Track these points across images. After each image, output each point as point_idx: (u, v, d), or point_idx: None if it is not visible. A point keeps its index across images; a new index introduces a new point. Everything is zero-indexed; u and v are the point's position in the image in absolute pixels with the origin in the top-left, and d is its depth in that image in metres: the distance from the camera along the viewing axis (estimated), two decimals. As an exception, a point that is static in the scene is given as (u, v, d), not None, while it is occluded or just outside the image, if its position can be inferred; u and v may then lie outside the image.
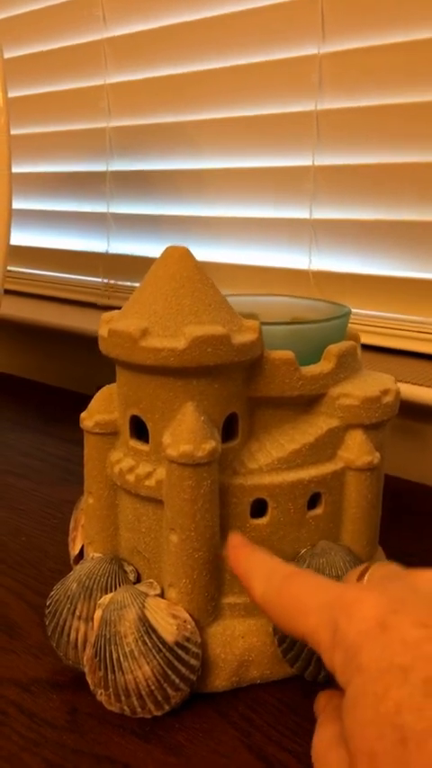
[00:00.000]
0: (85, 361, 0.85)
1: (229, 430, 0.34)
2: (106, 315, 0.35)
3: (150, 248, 0.78)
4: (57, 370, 0.90)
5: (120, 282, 0.81)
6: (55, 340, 0.88)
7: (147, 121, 0.75)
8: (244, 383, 0.34)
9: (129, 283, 0.80)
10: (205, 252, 0.73)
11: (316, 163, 0.64)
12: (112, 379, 0.35)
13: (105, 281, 0.82)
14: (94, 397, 0.36)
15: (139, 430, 0.34)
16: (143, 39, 0.73)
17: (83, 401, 0.37)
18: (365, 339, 0.60)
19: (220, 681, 0.33)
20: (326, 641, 0.22)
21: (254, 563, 0.28)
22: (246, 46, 0.66)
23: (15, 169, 0.56)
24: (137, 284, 0.79)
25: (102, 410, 0.35)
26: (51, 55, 0.83)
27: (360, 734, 0.20)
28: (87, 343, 0.82)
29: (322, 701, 0.27)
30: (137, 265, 0.79)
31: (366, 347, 0.61)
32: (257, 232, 0.69)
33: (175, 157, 0.74)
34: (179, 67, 0.71)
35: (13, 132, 0.55)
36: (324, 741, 0.23)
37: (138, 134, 0.77)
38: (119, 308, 0.35)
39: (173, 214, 0.76)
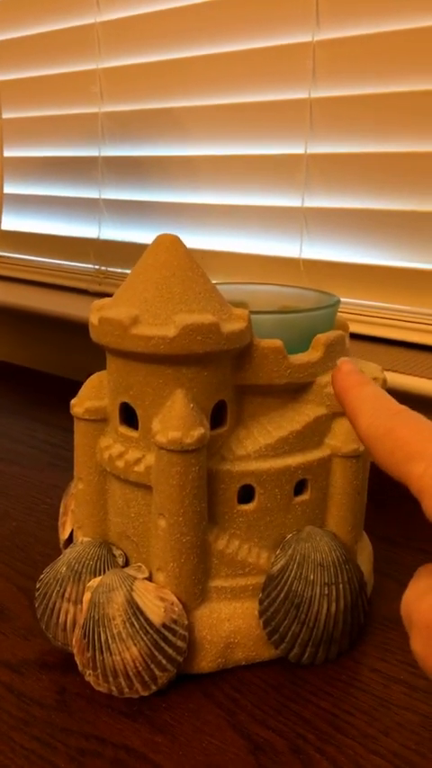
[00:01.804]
0: (76, 348, 0.85)
1: (217, 417, 0.34)
2: (97, 302, 0.35)
3: (142, 235, 0.78)
4: (47, 357, 0.90)
5: (111, 269, 0.81)
6: (46, 326, 0.88)
7: (139, 107, 0.75)
8: (233, 371, 0.34)
9: (120, 270, 0.80)
10: (197, 239, 0.73)
11: (309, 151, 0.64)
12: (102, 366, 0.35)
13: (97, 267, 0.82)
14: (84, 383, 0.36)
15: (128, 416, 0.34)
16: (136, 23, 0.72)
17: (73, 387, 0.37)
18: (354, 328, 0.61)
19: (207, 662, 0.34)
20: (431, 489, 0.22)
21: (362, 395, 0.26)
22: (240, 32, 0.66)
23: (6, 153, 0.56)
24: (128, 270, 0.79)
25: (92, 397, 0.35)
26: (43, 38, 0.82)
27: None
28: (78, 329, 0.83)
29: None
30: (128, 251, 0.79)
31: (355, 336, 0.62)
32: (249, 220, 0.69)
33: (168, 144, 0.74)
34: (172, 53, 0.71)
35: (4, 116, 0.55)
36: (417, 590, 0.23)
37: (130, 120, 0.76)
38: (110, 294, 0.35)
39: (165, 201, 0.76)
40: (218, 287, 0.35)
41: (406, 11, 0.56)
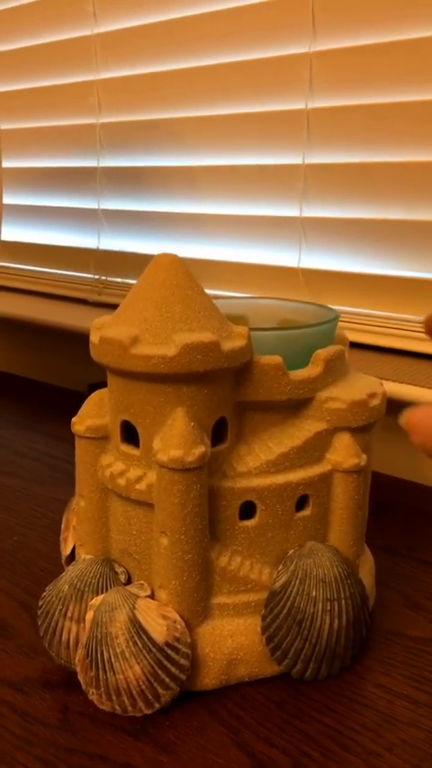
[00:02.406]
0: (76, 358, 0.85)
1: (218, 434, 0.34)
2: (97, 321, 0.35)
3: (141, 244, 0.79)
4: (48, 367, 0.91)
5: (111, 279, 0.81)
6: (46, 336, 0.88)
7: (137, 118, 0.75)
8: (233, 388, 0.34)
9: (120, 279, 0.81)
10: (195, 249, 0.73)
11: (306, 161, 0.64)
12: (103, 377, 0.35)
13: (96, 277, 0.82)
14: (86, 401, 0.36)
15: (129, 434, 0.34)
16: (134, 35, 0.73)
17: (74, 398, 0.38)
18: (354, 337, 0.61)
19: (210, 679, 0.34)
20: None
21: None
22: (237, 43, 0.66)
23: (5, 164, 0.56)
24: (128, 280, 0.80)
25: (93, 414, 0.36)
26: (41, 50, 0.82)
27: None
28: (78, 339, 0.83)
29: None
30: (128, 261, 0.79)
31: (355, 345, 0.62)
32: (247, 229, 0.70)
33: (166, 154, 0.74)
34: (170, 64, 0.71)
35: (2, 127, 0.55)
36: None
37: (128, 130, 0.77)
38: (110, 304, 0.35)
39: (163, 211, 0.76)
40: (217, 302, 0.35)
41: (402, 22, 0.56)
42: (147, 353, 0.31)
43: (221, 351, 0.32)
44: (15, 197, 0.91)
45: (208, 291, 0.34)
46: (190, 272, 0.33)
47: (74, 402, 0.37)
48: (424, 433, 0.26)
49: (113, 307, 0.34)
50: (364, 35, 0.58)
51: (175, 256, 0.33)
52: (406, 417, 0.27)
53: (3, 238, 0.81)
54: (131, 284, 0.77)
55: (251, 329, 0.34)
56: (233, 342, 0.33)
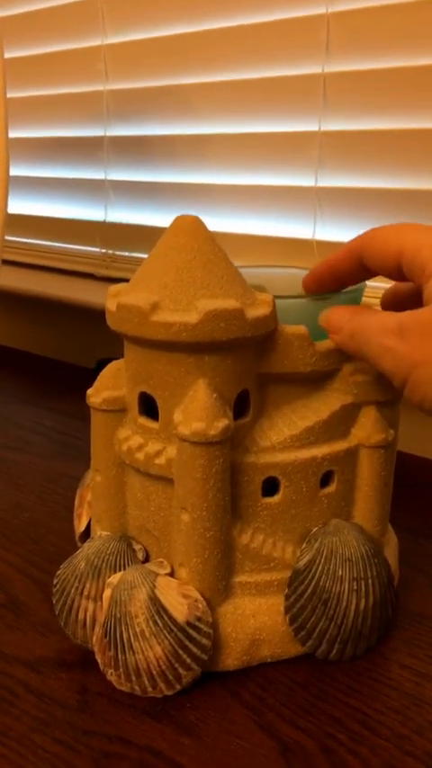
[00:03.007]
0: (82, 333, 0.83)
1: (240, 407, 0.33)
2: (113, 288, 0.33)
3: (150, 217, 0.76)
4: (54, 342, 0.89)
5: (118, 252, 0.79)
6: (52, 311, 0.86)
7: (146, 84, 0.72)
8: (256, 359, 0.33)
9: (127, 253, 0.78)
10: (206, 221, 0.71)
11: (322, 128, 0.61)
12: (111, 352, 0.34)
13: (104, 250, 0.80)
14: (101, 372, 0.35)
15: (148, 407, 0.33)
16: (142, -4, 0.70)
17: (81, 374, 0.36)
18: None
19: (232, 660, 0.33)
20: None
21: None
22: (249, 5, 0.63)
23: (10, 134, 0.54)
24: (136, 254, 0.77)
25: (109, 386, 0.34)
26: (45, 14, 0.79)
27: None
28: (85, 313, 0.81)
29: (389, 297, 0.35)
30: (136, 235, 0.77)
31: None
32: (260, 200, 0.67)
33: (176, 122, 0.71)
34: (179, 28, 0.68)
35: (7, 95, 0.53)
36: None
37: (136, 98, 0.74)
38: (118, 278, 0.34)
39: (173, 181, 0.73)
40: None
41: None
42: (168, 320, 0.29)
43: (246, 318, 0.30)
44: (19, 168, 0.88)
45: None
46: (212, 236, 0.32)
47: (81, 378, 0.35)
48: (340, 331, 0.32)
49: (121, 281, 0.33)
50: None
51: (196, 218, 0.32)
52: (325, 316, 0.33)
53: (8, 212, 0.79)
54: (140, 258, 0.75)
55: (275, 297, 0.32)
56: (257, 309, 0.31)
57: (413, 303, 0.30)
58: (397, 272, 0.31)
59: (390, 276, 0.32)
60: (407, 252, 0.29)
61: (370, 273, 0.33)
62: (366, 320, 0.30)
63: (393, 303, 0.35)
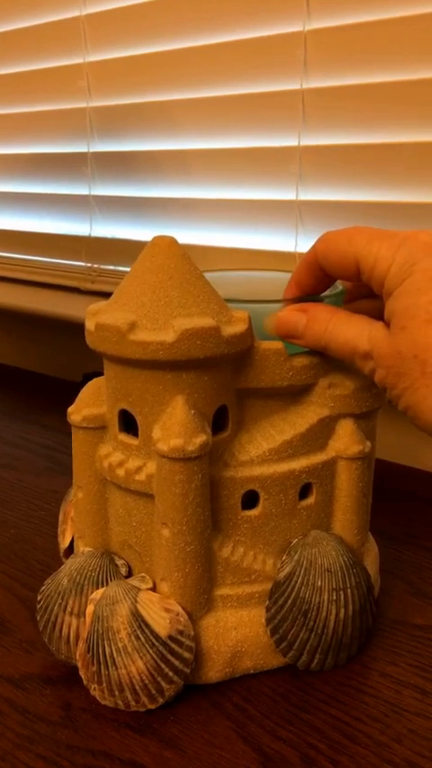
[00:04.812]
0: (69, 347, 0.84)
1: (218, 422, 0.33)
2: (92, 307, 0.34)
3: (135, 231, 0.77)
4: (40, 357, 0.89)
5: (104, 266, 0.80)
6: (38, 326, 0.86)
7: (128, 101, 0.73)
8: (233, 374, 0.33)
9: (113, 267, 0.79)
10: (190, 234, 0.72)
11: (302, 143, 0.63)
12: (97, 366, 0.34)
13: (89, 265, 0.81)
14: (82, 390, 0.35)
15: (128, 424, 0.33)
16: (122, 15, 0.71)
17: (68, 388, 0.36)
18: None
19: (214, 672, 0.33)
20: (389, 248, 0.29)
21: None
22: (229, 23, 0.64)
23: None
24: (121, 268, 0.78)
25: (90, 404, 0.35)
26: (28, 32, 0.80)
27: (406, 313, 0.28)
28: (71, 328, 0.81)
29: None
30: (121, 249, 0.78)
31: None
32: (243, 214, 0.68)
33: (159, 138, 0.72)
34: (161, 45, 0.69)
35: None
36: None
37: (119, 114, 0.75)
38: (103, 292, 0.34)
39: (157, 196, 0.74)
40: (218, 273, 0.34)
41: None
42: (145, 340, 0.30)
43: (221, 336, 0.31)
44: (4, 184, 0.89)
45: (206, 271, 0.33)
46: (188, 255, 0.32)
47: (67, 392, 0.36)
48: (287, 331, 0.33)
49: (106, 295, 0.34)
50: (359, 12, 0.57)
51: (172, 239, 0.32)
52: (271, 321, 0.33)
53: (-8, 226, 0.79)
54: (125, 272, 0.76)
55: (257, 301, 0.32)
56: (233, 327, 0.32)
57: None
58: (358, 279, 0.31)
59: (353, 281, 0.32)
60: (363, 264, 0.30)
61: (335, 279, 0.33)
62: (335, 337, 0.31)
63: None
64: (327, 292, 0.36)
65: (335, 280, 0.34)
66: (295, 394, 0.35)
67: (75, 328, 0.81)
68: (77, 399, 0.35)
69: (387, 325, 0.30)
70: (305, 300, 0.35)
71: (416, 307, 0.27)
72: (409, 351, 0.28)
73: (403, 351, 0.28)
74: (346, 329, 0.31)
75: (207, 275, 0.33)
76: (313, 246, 0.33)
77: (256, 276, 0.43)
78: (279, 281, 0.39)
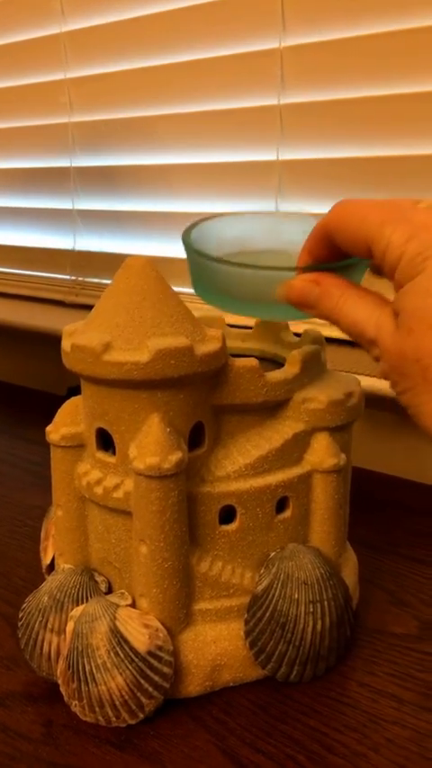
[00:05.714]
0: (54, 361, 0.84)
1: (195, 438, 0.34)
2: (68, 327, 0.35)
3: (118, 244, 0.78)
4: (25, 371, 0.89)
5: (88, 279, 0.80)
6: (23, 339, 0.87)
7: (109, 116, 0.74)
8: (209, 392, 0.34)
9: (97, 280, 0.80)
10: (172, 248, 0.72)
11: (281, 158, 0.63)
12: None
13: (73, 278, 0.81)
14: (60, 409, 0.36)
15: (105, 442, 0.34)
16: (104, 32, 0.72)
17: (53, 402, 0.37)
18: (328, 333, 0.60)
19: (194, 686, 0.34)
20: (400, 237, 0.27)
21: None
22: (207, 40, 0.65)
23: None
24: (105, 281, 0.79)
25: (67, 423, 0.35)
26: (8, 49, 0.81)
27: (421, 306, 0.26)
28: (56, 342, 0.82)
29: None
30: (105, 262, 0.78)
31: (331, 341, 0.61)
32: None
33: (140, 153, 0.73)
34: (141, 61, 0.70)
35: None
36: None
37: (100, 129, 0.75)
38: (87, 305, 0.34)
39: (139, 210, 0.75)
40: (246, 215, 0.34)
41: (372, 15, 0.56)
42: (119, 360, 0.31)
43: (195, 355, 0.31)
44: (-12, 199, 0.89)
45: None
46: (161, 276, 0.33)
47: (53, 406, 0.36)
48: (299, 300, 0.31)
49: (91, 308, 0.34)
50: (334, 29, 0.58)
51: (147, 259, 0.33)
52: (283, 289, 0.31)
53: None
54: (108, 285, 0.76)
55: (270, 267, 0.31)
56: (207, 345, 0.32)
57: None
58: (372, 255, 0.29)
59: (366, 257, 0.30)
60: (375, 249, 0.28)
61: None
62: (344, 317, 0.30)
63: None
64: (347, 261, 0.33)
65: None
66: (271, 409, 0.36)
67: (60, 341, 0.82)
68: (56, 418, 0.36)
69: (396, 314, 0.28)
70: (321, 270, 0.32)
71: (424, 309, 0.26)
72: (413, 354, 0.27)
73: (407, 353, 0.27)
74: (355, 310, 0.30)
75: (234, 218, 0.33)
76: (327, 216, 0.30)
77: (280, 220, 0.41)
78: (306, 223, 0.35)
